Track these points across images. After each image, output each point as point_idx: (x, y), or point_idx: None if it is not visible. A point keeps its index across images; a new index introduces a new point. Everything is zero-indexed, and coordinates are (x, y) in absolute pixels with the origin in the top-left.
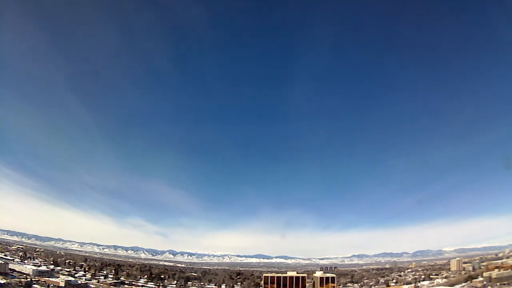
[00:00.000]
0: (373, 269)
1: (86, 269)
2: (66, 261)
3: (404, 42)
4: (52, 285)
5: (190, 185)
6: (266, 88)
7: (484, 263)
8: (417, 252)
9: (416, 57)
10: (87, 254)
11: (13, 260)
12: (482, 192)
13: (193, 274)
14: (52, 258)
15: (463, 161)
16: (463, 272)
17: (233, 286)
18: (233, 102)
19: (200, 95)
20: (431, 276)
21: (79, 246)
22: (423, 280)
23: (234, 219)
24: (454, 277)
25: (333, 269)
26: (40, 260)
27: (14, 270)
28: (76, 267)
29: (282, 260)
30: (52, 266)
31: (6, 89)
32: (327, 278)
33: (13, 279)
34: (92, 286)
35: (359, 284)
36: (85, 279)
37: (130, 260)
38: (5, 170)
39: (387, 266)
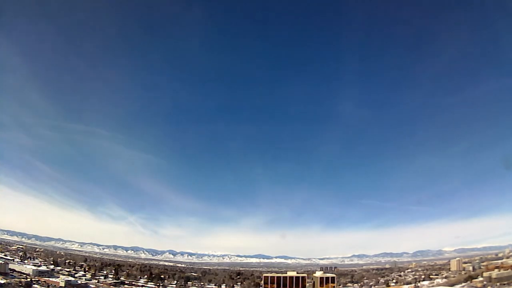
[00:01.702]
0: (373, 269)
1: (86, 269)
2: (66, 261)
3: (403, 42)
4: (52, 285)
5: (191, 185)
6: (266, 88)
7: (484, 263)
8: (417, 252)
9: (415, 57)
10: (87, 254)
11: (13, 260)
12: (482, 192)
13: (193, 274)
14: (52, 258)
15: (462, 161)
16: (463, 272)
17: (233, 286)
18: (233, 101)
19: (200, 94)
20: (431, 276)
21: (79, 246)
22: (423, 280)
23: (234, 219)
24: (454, 277)
25: (333, 269)
26: (40, 260)
27: (14, 270)
28: (76, 267)
29: (282, 260)
30: (52, 266)
31: (6, 89)
32: (327, 278)
33: (13, 279)
34: (92, 286)
35: (359, 284)
36: (85, 279)
37: (130, 260)
38: (5, 170)
39: (387, 266)
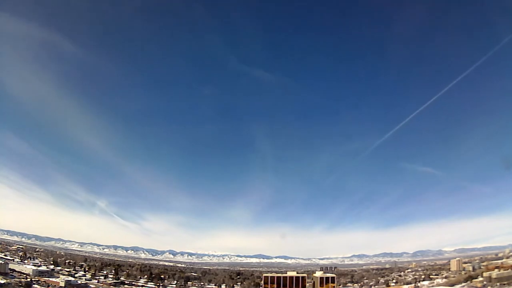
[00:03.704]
0: (373, 269)
1: (86, 269)
2: (66, 261)
3: (401, 42)
4: (52, 285)
5: (191, 185)
6: (265, 88)
7: (484, 263)
8: (417, 252)
9: (414, 57)
10: (87, 254)
11: (13, 260)
12: (482, 192)
13: (193, 274)
14: (52, 258)
15: (462, 161)
16: (463, 272)
17: (233, 286)
18: (233, 101)
19: (200, 94)
20: (431, 276)
21: (79, 246)
22: (423, 280)
23: (234, 219)
24: (454, 277)
25: (333, 269)
26: (40, 260)
27: (14, 270)
28: (76, 267)
29: (282, 260)
30: (52, 266)
31: (6, 89)
32: (327, 278)
33: (13, 279)
34: (92, 286)
35: (359, 284)
36: (85, 279)
37: (130, 260)
38: (4, 170)
39: (387, 266)
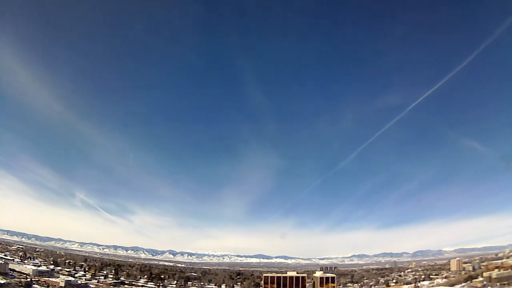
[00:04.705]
0: (373, 269)
1: (86, 269)
2: (66, 261)
3: (401, 41)
4: (52, 285)
5: (191, 185)
6: (265, 88)
7: (484, 263)
8: (417, 252)
9: (414, 56)
10: (87, 254)
11: (13, 260)
12: (482, 192)
13: (193, 274)
14: (52, 258)
15: (463, 160)
16: (463, 272)
17: (233, 286)
18: (233, 101)
19: (201, 94)
20: (431, 276)
21: (79, 246)
22: (423, 280)
23: (234, 219)
24: (454, 277)
25: (333, 269)
26: (40, 260)
27: (14, 270)
28: (76, 267)
29: (282, 260)
30: (52, 266)
31: (6, 90)
32: (327, 278)
33: (13, 279)
34: (92, 286)
35: (359, 284)
36: (85, 279)
37: (130, 260)
38: (4, 170)
39: (387, 266)
